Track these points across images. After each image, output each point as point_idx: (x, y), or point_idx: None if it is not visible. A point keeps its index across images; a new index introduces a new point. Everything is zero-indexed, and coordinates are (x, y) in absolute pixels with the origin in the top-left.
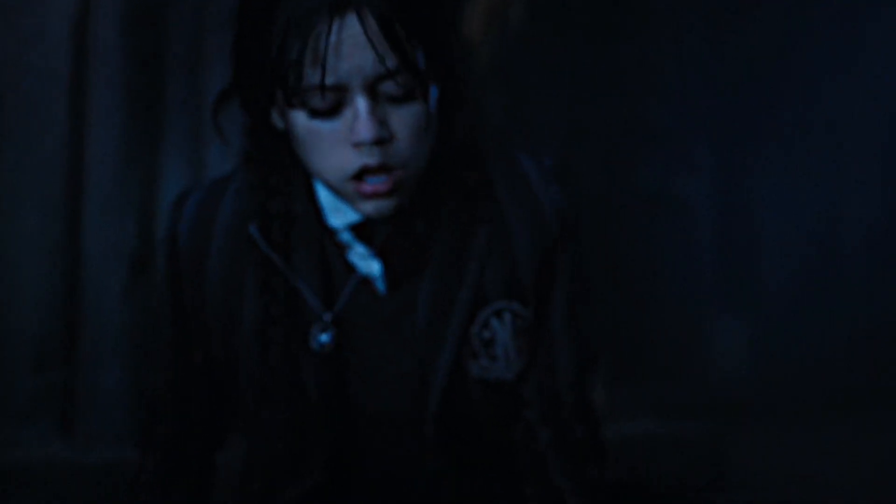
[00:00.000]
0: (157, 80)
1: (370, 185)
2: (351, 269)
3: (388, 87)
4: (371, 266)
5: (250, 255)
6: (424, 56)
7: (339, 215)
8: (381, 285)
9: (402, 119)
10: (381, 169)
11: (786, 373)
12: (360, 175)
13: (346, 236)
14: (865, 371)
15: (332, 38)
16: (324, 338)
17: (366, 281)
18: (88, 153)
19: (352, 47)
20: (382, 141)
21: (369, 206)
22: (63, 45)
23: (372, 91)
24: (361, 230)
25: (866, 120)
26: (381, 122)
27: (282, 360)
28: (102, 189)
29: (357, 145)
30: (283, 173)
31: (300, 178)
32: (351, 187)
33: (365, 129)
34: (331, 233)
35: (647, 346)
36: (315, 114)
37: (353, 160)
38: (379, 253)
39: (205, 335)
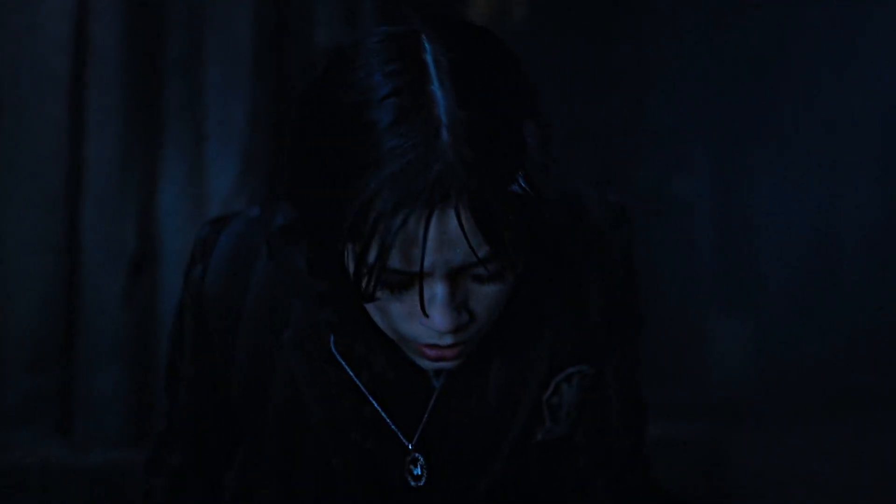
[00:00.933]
0: (156, 81)
1: (436, 349)
2: (415, 371)
3: (476, 271)
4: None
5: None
6: (520, 232)
7: None
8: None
9: (487, 298)
10: (452, 346)
11: (786, 373)
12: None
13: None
14: (865, 371)
15: (431, 233)
16: (417, 472)
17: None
18: (87, 154)
19: (443, 243)
20: (459, 328)
21: (429, 364)
22: (62, 45)
23: (455, 276)
24: None
25: (864, 119)
26: (459, 308)
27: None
28: (101, 190)
29: (430, 328)
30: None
31: None
32: (413, 347)
33: (441, 320)
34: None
35: (646, 346)
36: (387, 287)
37: (421, 335)
38: (441, 383)
39: (226, 381)
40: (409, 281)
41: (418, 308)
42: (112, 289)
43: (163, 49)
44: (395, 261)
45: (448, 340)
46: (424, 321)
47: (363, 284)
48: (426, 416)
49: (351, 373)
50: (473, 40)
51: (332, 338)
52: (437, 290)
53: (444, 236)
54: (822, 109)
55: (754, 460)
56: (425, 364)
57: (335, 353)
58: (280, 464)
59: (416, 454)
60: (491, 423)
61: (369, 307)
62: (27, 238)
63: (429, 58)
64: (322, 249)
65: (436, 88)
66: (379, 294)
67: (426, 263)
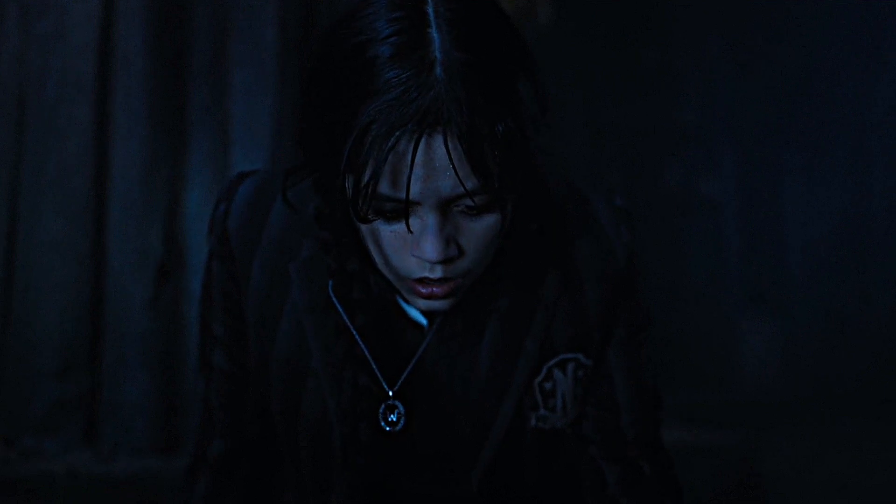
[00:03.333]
0: (182, 86)
1: (427, 285)
2: (410, 320)
3: (465, 203)
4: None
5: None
6: (509, 169)
7: None
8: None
9: (475, 232)
10: (442, 280)
11: (816, 374)
12: (419, 279)
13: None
14: None
15: (417, 158)
16: (392, 418)
17: (427, 345)
18: (113, 159)
19: (432, 169)
20: (449, 259)
21: (422, 304)
22: (88, 50)
23: (445, 206)
24: None
25: (891, 119)
26: (449, 239)
27: (355, 442)
28: (127, 195)
29: (420, 259)
30: (354, 233)
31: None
32: (407, 284)
33: (431, 249)
34: (392, 288)
35: (674, 348)
36: (381, 215)
37: (413, 268)
38: (434, 327)
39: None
40: (401, 210)
41: (411, 239)
42: (138, 295)
43: (188, 54)
44: (386, 186)
45: (438, 272)
46: (416, 251)
47: (359, 204)
48: (410, 367)
49: (344, 316)
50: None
51: (330, 283)
52: (428, 219)
53: (432, 163)
54: (849, 109)
55: (787, 465)
56: (419, 303)
57: (332, 296)
58: (284, 405)
59: (396, 402)
60: (481, 397)
61: (369, 244)
62: (53, 245)
63: (430, 8)
64: (326, 189)
65: (433, 31)
66: (372, 216)
67: (415, 191)
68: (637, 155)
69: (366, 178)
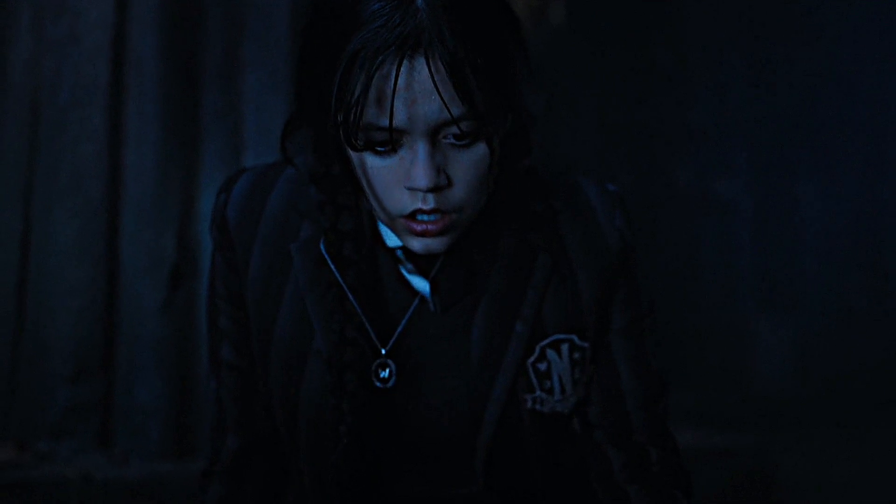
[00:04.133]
0: (195, 90)
1: (421, 223)
2: (407, 288)
3: (451, 131)
4: (425, 286)
5: (310, 265)
6: (492, 97)
7: (394, 237)
8: (433, 307)
9: (463, 164)
10: (435, 212)
11: (830, 376)
12: (412, 214)
13: (400, 255)
14: None
15: (401, 81)
16: (384, 374)
17: (421, 307)
18: (126, 163)
19: (417, 93)
20: (439, 188)
21: (418, 244)
22: (101, 54)
23: (433, 135)
24: (416, 254)
25: None
26: (439, 168)
27: (341, 391)
28: (140, 199)
29: (412, 189)
30: (350, 192)
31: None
32: (402, 224)
33: (421, 176)
34: (388, 251)
35: (688, 350)
36: (372, 148)
37: (406, 202)
38: (431, 282)
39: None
40: (390, 141)
41: (402, 172)
42: (152, 299)
43: (201, 58)
44: (373, 113)
45: (430, 202)
46: (407, 182)
47: (349, 129)
48: (401, 326)
49: (335, 270)
50: None
51: (322, 240)
52: (419, 147)
53: (417, 86)
54: (864, 110)
55: (801, 466)
56: (414, 244)
57: (324, 252)
58: (284, 390)
59: (388, 360)
60: (474, 380)
61: (364, 186)
62: (67, 249)
63: None
64: (320, 134)
65: None
66: (362, 145)
67: (401, 117)
68: (650, 155)
69: (354, 99)
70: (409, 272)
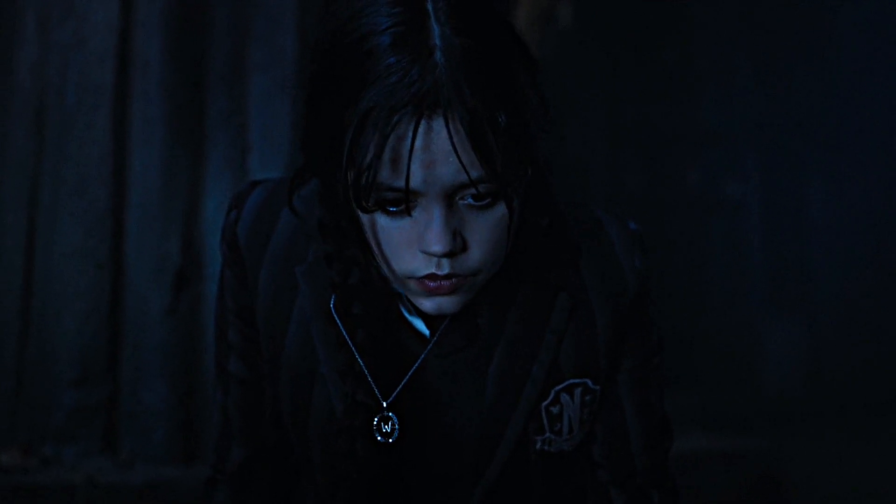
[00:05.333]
0: (200, 93)
1: (434, 281)
2: (414, 335)
3: (469, 192)
4: (426, 329)
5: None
6: (512, 156)
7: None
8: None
9: (481, 226)
10: (449, 278)
11: (840, 378)
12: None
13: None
14: None
15: (418, 142)
16: (387, 429)
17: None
18: (131, 167)
19: (435, 154)
20: (454, 253)
21: (429, 304)
22: (106, 58)
23: (450, 197)
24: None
25: None
26: (454, 231)
27: (343, 444)
28: (145, 202)
29: (426, 253)
30: (359, 244)
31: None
32: (412, 284)
33: (436, 241)
34: (395, 294)
35: (695, 351)
36: (383, 208)
37: (419, 266)
38: (429, 326)
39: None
40: (404, 201)
41: (415, 234)
42: (157, 303)
43: (206, 61)
44: (387, 173)
45: (445, 268)
46: (421, 245)
47: (360, 191)
48: (406, 378)
49: (344, 332)
50: None
51: (332, 298)
52: (434, 210)
53: (434, 147)
54: (874, 110)
55: (810, 470)
56: (426, 304)
57: (333, 312)
58: (295, 409)
59: (390, 413)
60: (485, 421)
61: (373, 246)
62: (71, 253)
63: (429, 4)
64: (329, 191)
65: (433, 22)
66: (373, 206)
67: (417, 179)
68: (659, 156)
69: (367, 161)
70: (410, 313)
